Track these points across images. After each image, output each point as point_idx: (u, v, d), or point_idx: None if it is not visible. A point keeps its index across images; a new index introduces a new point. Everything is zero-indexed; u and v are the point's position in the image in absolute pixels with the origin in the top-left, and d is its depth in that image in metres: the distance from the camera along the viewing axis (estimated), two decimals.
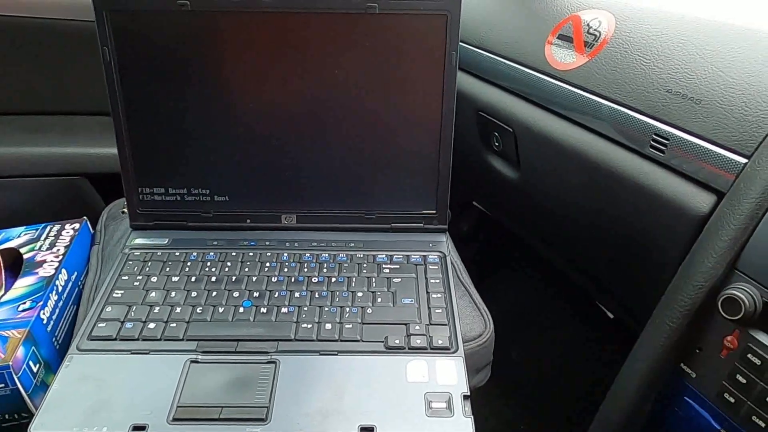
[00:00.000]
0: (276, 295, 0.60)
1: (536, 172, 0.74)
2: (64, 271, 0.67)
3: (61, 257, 0.68)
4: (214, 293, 0.61)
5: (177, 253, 0.65)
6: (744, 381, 0.45)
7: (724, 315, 0.44)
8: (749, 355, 0.44)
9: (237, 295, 0.60)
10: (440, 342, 0.56)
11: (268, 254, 0.65)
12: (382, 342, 0.56)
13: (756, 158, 0.46)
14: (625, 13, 0.63)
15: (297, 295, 0.60)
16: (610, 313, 0.91)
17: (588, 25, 0.65)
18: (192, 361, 0.53)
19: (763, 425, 0.44)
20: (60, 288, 0.65)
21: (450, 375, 0.53)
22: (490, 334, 0.62)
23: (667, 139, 0.54)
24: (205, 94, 0.63)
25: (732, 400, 0.46)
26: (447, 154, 0.66)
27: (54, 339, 0.62)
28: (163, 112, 0.64)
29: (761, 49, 0.51)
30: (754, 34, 0.53)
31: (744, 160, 0.48)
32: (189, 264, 0.64)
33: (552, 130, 0.67)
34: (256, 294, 0.60)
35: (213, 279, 0.62)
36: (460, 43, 0.62)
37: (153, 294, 0.60)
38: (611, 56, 0.61)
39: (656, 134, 0.55)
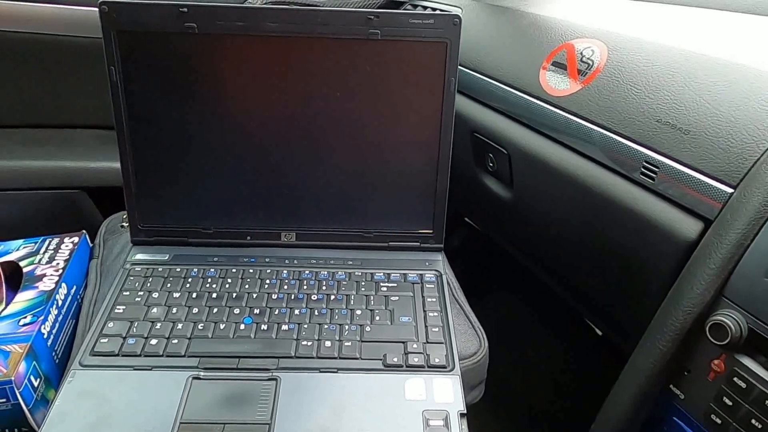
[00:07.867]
0: (276, 312, 0.61)
1: (529, 192, 0.76)
2: (64, 285, 0.67)
3: (61, 271, 0.68)
4: (215, 310, 0.61)
5: (178, 269, 0.66)
6: (730, 403, 0.46)
7: (712, 340, 0.46)
8: (735, 379, 0.46)
9: (238, 311, 0.61)
10: (437, 360, 0.57)
11: (268, 271, 0.66)
12: (381, 360, 0.57)
13: (742, 189, 0.48)
14: (616, 42, 0.66)
15: (297, 312, 0.61)
16: (598, 330, 0.93)
17: (581, 53, 0.68)
18: (194, 378, 0.54)
19: None
20: (60, 302, 0.65)
21: (447, 393, 0.54)
22: (484, 352, 0.64)
23: (657, 167, 0.56)
24: (209, 114, 0.65)
25: (719, 421, 0.47)
26: (444, 176, 0.67)
27: (54, 353, 0.62)
28: (167, 131, 0.65)
29: (745, 82, 0.53)
30: (739, 68, 0.55)
31: (730, 190, 0.50)
32: (190, 280, 0.65)
33: (545, 153, 0.69)
34: (256, 311, 0.61)
35: (214, 295, 0.63)
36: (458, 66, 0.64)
37: (155, 310, 0.61)
38: (604, 85, 0.64)
39: (646, 161, 0.57)
